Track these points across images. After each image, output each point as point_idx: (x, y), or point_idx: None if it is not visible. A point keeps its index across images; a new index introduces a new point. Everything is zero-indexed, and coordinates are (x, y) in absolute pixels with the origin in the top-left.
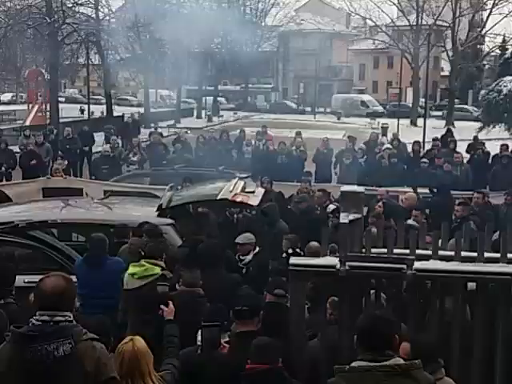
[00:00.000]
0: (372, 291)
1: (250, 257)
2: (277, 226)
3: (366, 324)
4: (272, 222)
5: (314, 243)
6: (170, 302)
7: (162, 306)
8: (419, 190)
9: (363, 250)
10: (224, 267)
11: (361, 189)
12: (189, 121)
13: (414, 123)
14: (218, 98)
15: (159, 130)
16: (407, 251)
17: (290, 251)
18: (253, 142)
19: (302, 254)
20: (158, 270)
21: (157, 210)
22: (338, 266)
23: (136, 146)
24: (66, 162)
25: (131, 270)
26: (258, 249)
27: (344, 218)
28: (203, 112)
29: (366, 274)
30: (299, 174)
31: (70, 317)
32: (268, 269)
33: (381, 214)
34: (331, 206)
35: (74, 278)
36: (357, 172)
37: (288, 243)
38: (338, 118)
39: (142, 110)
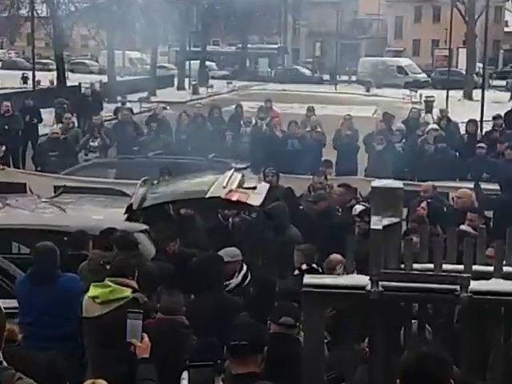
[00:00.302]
0: (414, 320)
1: (235, 280)
2: (286, 233)
3: (411, 364)
4: (279, 227)
5: (335, 256)
6: (145, 336)
7: (133, 341)
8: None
9: (402, 266)
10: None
11: (398, 184)
12: (168, 92)
13: (468, 96)
14: (207, 63)
15: (128, 105)
16: (461, 267)
17: (304, 267)
18: (253, 120)
19: (320, 270)
20: (127, 292)
21: (125, 213)
22: (369, 287)
23: (97, 126)
24: (4, 148)
25: (92, 291)
26: (244, 268)
27: (376, 222)
28: (187, 81)
29: (406, 298)
30: (315, 163)
31: None
32: (273, 290)
33: (425, 217)
34: (358, 207)
35: (13, 303)
36: (392, 161)
37: (301, 256)
38: (367, 90)
39: (104, 78)
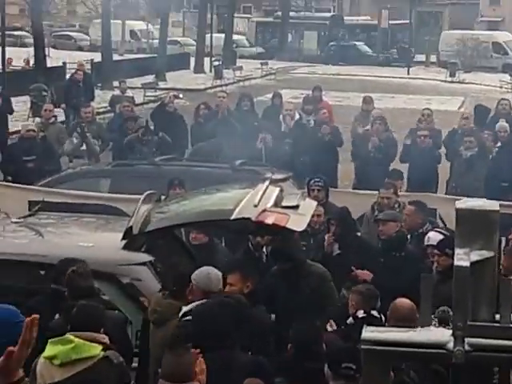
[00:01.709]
0: None
1: None
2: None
3: None
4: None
5: (404, 301)
6: None
7: None
8: None
9: (497, 317)
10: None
11: (493, 204)
12: (182, 77)
13: None
14: (234, 37)
15: (129, 92)
16: None
17: (361, 314)
18: (296, 115)
19: (384, 319)
20: (97, 349)
21: (123, 238)
22: (451, 346)
23: (87, 120)
24: None
25: (48, 350)
26: None
27: (462, 257)
28: (207, 61)
29: (502, 361)
30: (380, 174)
31: None
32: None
33: None
34: (433, 235)
35: None
36: (486, 173)
37: (358, 300)
38: (452, 74)
39: (97, 56)
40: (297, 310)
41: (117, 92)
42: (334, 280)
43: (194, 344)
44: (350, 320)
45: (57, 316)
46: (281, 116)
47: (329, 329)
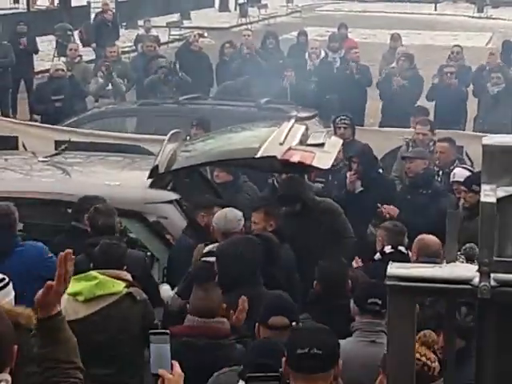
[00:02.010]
0: None
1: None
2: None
3: None
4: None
5: (430, 237)
6: (176, 365)
7: (160, 372)
8: None
9: None
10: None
11: None
12: (206, 15)
13: None
14: None
15: (153, 31)
16: None
17: (389, 249)
18: (322, 53)
19: (410, 255)
20: (120, 286)
21: (149, 177)
22: (477, 281)
23: (112, 60)
24: None
25: (72, 287)
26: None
27: (488, 193)
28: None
29: None
30: (406, 111)
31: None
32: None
33: None
34: (460, 172)
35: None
36: None
37: (386, 235)
38: (480, 10)
39: None
40: (314, 249)
41: (141, 31)
42: (359, 217)
43: (218, 281)
44: (378, 255)
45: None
46: (306, 54)
47: (354, 265)
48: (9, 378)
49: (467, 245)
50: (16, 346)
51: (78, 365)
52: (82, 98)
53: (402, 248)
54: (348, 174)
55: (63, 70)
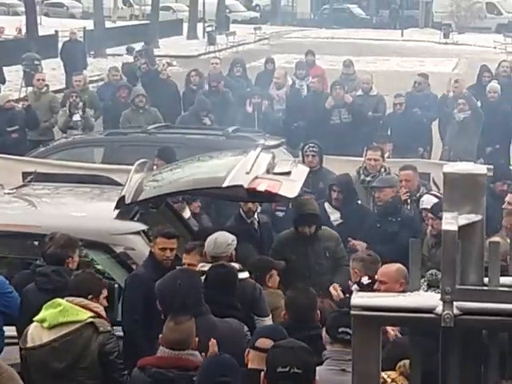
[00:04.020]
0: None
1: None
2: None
3: None
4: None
5: (397, 266)
6: None
7: None
8: None
9: (485, 280)
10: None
11: (480, 168)
12: (174, 43)
13: None
14: (227, 2)
15: (121, 60)
16: None
17: (366, 280)
18: (289, 80)
19: None
20: (85, 315)
21: (116, 207)
22: (440, 310)
23: (78, 89)
24: None
25: (41, 313)
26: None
27: (449, 221)
28: (200, 27)
29: (491, 324)
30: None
31: None
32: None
33: None
34: (428, 199)
35: None
36: (481, 136)
37: (361, 265)
38: (445, 36)
39: (90, 24)
40: (319, 272)
41: (108, 59)
42: None
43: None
44: (355, 287)
45: None
46: (273, 81)
47: (333, 293)
48: None
49: (430, 271)
50: None
51: None
52: (46, 129)
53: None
54: (326, 204)
55: (12, 101)
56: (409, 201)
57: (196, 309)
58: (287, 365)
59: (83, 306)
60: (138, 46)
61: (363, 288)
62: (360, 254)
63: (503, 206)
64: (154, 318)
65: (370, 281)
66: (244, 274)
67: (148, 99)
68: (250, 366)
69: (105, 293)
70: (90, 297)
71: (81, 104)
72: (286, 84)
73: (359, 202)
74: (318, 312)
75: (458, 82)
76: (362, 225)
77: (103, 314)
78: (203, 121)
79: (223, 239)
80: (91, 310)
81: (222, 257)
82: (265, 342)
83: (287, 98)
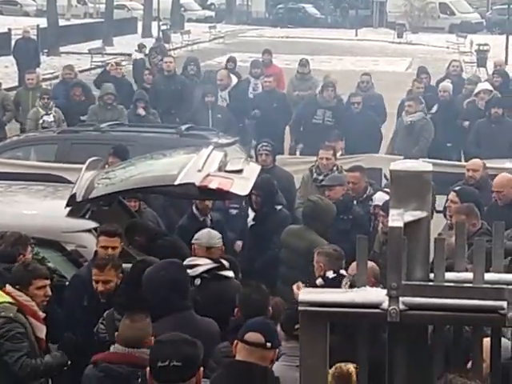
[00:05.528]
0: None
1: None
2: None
3: None
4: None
5: (370, 265)
6: None
7: None
8: None
9: (431, 276)
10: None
11: (425, 165)
12: (128, 41)
13: None
14: (182, 1)
15: (76, 58)
16: (510, 277)
17: (331, 274)
18: (234, 80)
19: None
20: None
21: (67, 205)
22: (386, 305)
23: (30, 87)
24: None
25: None
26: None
27: (396, 218)
28: (155, 25)
29: (436, 319)
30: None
31: None
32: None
33: (460, 210)
34: (380, 196)
35: None
36: (430, 136)
37: (327, 260)
38: (399, 35)
39: (43, 22)
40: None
41: (62, 57)
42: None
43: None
44: (320, 281)
45: None
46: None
47: (295, 290)
48: None
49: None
50: None
51: None
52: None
53: (343, 272)
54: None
55: None
56: (355, 202)
57: (179, 302)
58: (167, 358)
59: (7, 293)
60: (94, 44)
61: (328, 282)
62: (326, 248)
63: (446, 205)
64: (93, 318)
65: (335, 275)
66: (229, 273)
67: (117, 97)
68: (237, 358)
69: (37, 283)
70: (17, 287)
71: (52, 104)
72: (230, 84)
73: (279, 207)
74: (270, 309)
75: (421, 83)
76: (274, 228)
77: (27, 303)
78: (138, 111)
79: (214, 232)
80: (13, 298)
81: (216, 247)
82: (254, 336)
83: (231, 98)
